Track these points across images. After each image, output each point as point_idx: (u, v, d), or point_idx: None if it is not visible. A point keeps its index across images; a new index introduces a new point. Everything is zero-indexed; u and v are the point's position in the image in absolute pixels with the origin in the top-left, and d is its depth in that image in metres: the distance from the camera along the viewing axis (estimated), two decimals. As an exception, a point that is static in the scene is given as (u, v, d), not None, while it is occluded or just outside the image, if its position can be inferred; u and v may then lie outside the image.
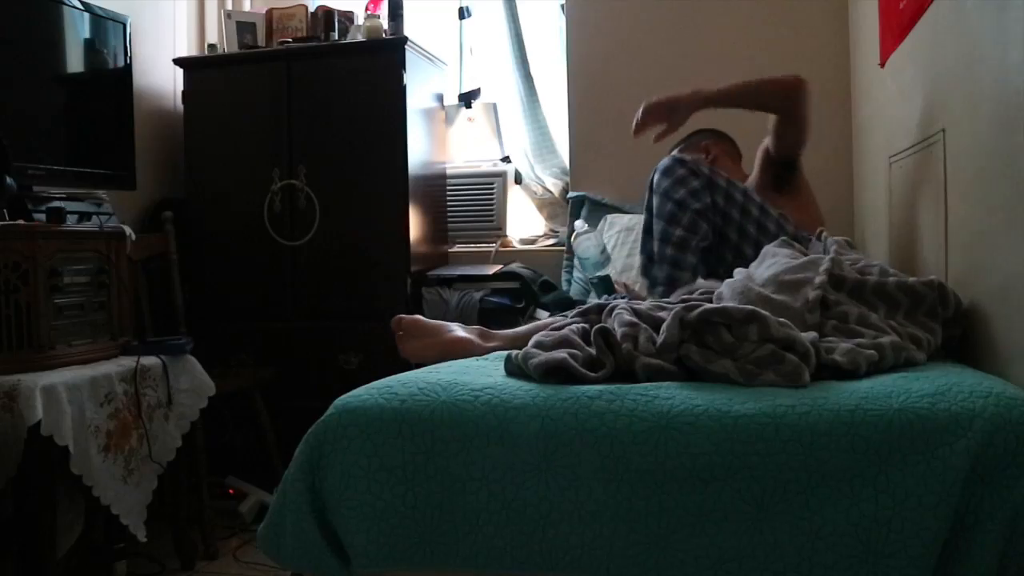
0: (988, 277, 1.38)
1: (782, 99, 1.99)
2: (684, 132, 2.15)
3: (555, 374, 1.23)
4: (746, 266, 1.68)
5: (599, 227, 2.91)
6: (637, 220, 2.62)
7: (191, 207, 3.08)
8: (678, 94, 1.98)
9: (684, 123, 2.02)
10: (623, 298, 1.90)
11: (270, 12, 3.28)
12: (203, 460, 2.55)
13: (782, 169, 2.10)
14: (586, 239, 2.81)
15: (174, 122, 3.21)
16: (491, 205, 3.30)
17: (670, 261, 1.84)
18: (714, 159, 2.19)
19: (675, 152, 2.01)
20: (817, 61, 2.87)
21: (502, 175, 3.32)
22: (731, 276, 1.64)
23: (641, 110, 1.99)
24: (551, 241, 3.29)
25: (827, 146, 2.85)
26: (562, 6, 3.23)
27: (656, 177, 1.91)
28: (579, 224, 2.94)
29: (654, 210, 1.90)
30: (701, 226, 1.85)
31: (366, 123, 2.94)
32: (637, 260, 2.08)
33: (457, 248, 3.32)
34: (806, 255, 1.57)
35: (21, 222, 2.05)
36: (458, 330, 1.71)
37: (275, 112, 3.01)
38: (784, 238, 1.72)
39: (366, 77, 2.96)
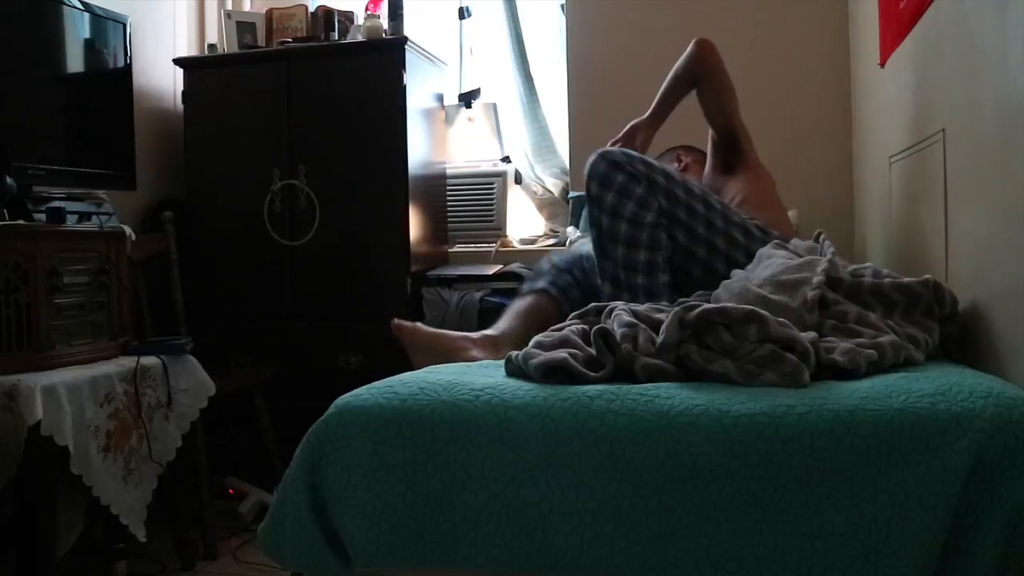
0: (988, 277, 1.39)
1: (694, 66, 2.07)
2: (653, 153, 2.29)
3: (556, 374, 1.23)
4: (698, 268, 1.76)
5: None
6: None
7: (191, 207, 3.08)
8: (639, 120, 2.13)
9: (649, 144, 2.14)
10: None
11: (270, 12, 3.28)
12: (203, 460, 2.54)
13: (727, 151, 2.14)
14: (582, 245, 2.82)
15: (174, 122, 3.21)
16: (491, 205, 3.30)
17: (644, 290, 1.73)
18: (686, 167, 2.28)
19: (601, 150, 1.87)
20: (817, 61, 2.88)
21: (502, 175, 3.32)
22: (685, 283, 1.72)
23: (620, 135, 2.12)
24: (551, 241, 3.29)
25: (827, 146, 2.86)
26: (562, 6, 3.23)
27: (595, 189, 1.76)
28: (571, 231, 2.95)
29: (606, 230, 1.76)
30: (661, 238, 1.74)
31: (366, 123, 2.94)
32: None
33: (457, 248, 3.32)
34: (801, 256, 1.57)
35: (21, 222, 2.05)
36: (473, 350, 1.67)
37: (275, 112, 3.01)
38: (777, 240, 1.72)
39: (366, 77, 2.96)
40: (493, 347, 1.69)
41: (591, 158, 1.80)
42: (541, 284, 1.89)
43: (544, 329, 1.60)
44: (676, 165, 2.30)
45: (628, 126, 2.14)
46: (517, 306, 1.88)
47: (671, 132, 2.27)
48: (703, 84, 2.08)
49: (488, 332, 1.76)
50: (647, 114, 2.14)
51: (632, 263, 1.73)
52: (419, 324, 1.75)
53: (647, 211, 1.73)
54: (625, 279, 1.75)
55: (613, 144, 2.13)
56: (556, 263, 1.98)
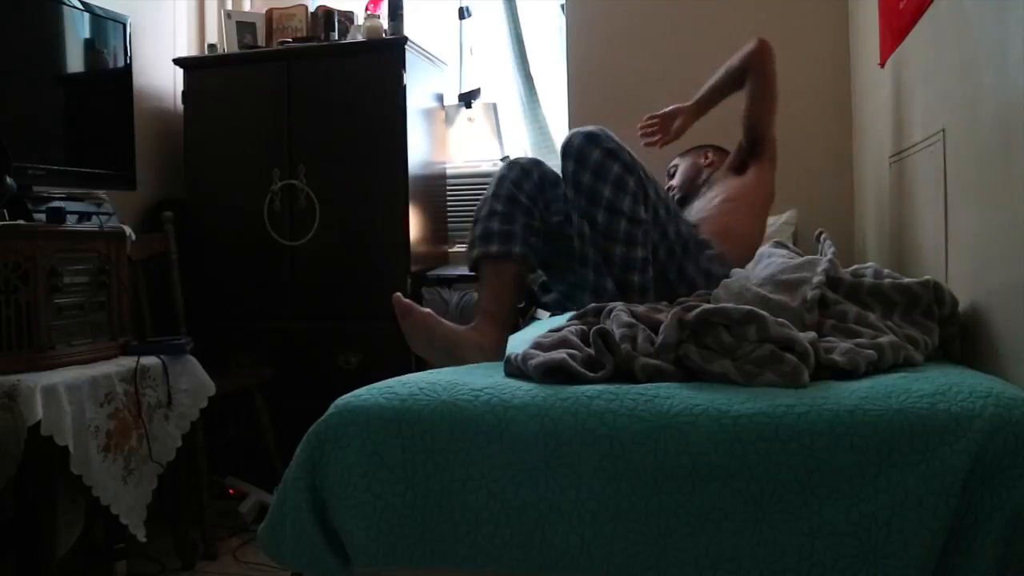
0: (988, 277, 1.38)
1: (748, 60, 2.09)
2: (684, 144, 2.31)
3: (554, 374, 1.23)
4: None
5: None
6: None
7: (191, 207, 3.08)
8: (676, 106, 2.17)
9: (685, 130, 2.16)
10: None
11: (270, 12, 3.28)
12: (203, 460, 2.55)
13: (747, 155, 2.15)
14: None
15: (174, 122, 3.21)
16: (491, 205, 3.30)
17: (639, 287, 1.68)
18: (711, 163, 2.29)
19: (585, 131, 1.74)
20: (817, 61, 2.87)
21: (502, 175, 3.31)
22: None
23: (656, 118, 2.16)
24: (551, 241, 3.29)
25: (827, 146, 2.86)
26: (562, 6, 3.23)
27: (588, 179, 1.66)
28: None
29: (602, 227, 1.67)
30: (651, 233, 1.72)
31: (366, 123, 2.94)
32: None
33: (457, 248, 3.32)
34: (801, 255, 1.57)
35: (21, 222, 2.05)
36: (477, 355, 1.57)
37: (275, 112, 3.01)
38: (777, 240, 1.72)
39: (366, 77, 2.96)
40: (502, 350, 1.65)
41: (575, 139, 1.69)
42: (519, 249, 1.72)
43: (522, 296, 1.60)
44: (703, 160, 2.31)
45: (670, 108, 2.17)
46: (504, 275, 1.72)
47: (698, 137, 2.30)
48: (750, 78, 2.10)
49: (491, 328, 1.65)
50: (691, 101, 2.16)
51: (631, 262, 1.68)
52: (431, 313, 1.62)
53: (641, 206, 1.68)
54: (621, 276, 1.69)
55: (651, 119, 2.16)
56: (527, 190, 1.78)
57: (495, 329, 1.66)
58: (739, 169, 2.17)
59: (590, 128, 1.71)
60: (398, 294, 1.63)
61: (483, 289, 1.72)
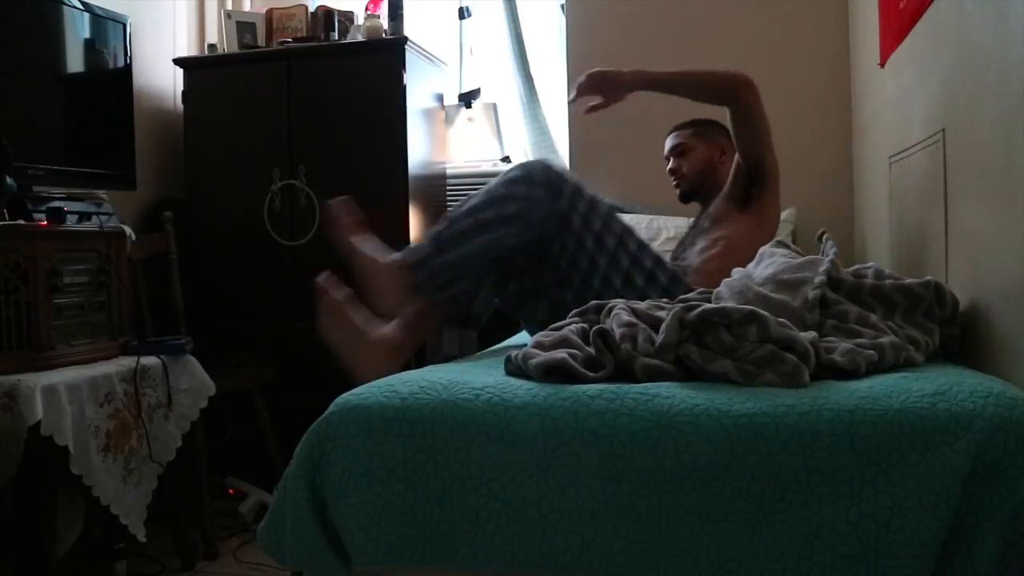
0: (988, 277, 1.39)
1: (728, 93, 1.95)
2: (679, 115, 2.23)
3: (555, 374, 1.23)
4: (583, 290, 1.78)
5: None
6: (637, 220, 2.63)
7: (191, 207, 3.08)
8: (620, 71, 1.95)
9: (621, 100, 1.99)
10: None
11: (270, 12, 3.28)
12: (203, 460, 2.54)
13: (749, 184, 2.02)
14: None
15: (174, 122, 3.21)
16: (491, 205, 3.30)
17: (503, 219, 1.87)
18: (723, 162, 2.18)
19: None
20: (817, 61, 2.87)
21: (502, 175, 3.31)
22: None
23: (584, 76, 1.97)
24: (551, 241, 3.29)
25: (827, 146, 2.86)
26: (562, 6, 3.23)
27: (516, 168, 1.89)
28: None
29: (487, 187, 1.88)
30: (516, 224, 1.84)
31: (366, 123, 2.94)
32: None
33: (457, 248, 3.31)
34: (803, 255, 1.57)
35: (21, 222, 2.05)
36: (376, 354, 1.71)
37: (275, 112, 3.01)
38: (779, 239, 1.72)
39: (366, 77, 2.96)
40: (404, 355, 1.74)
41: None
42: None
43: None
44: (718, 155, 2.19)
45: (610, 71, 1.95)
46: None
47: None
48: (733, 115, 1.98)
49: (403, 333, 1.78)
50: (645, 77, 1.96)
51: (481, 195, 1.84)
52: (348, 299, 1.76)
53: (563, 198, 1.81)
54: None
55: (590, 73, 1.97)
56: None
57: (407, 335, 1.78)
58: (742, 201, 2.02)
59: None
60: (322, 277, 1.78)
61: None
